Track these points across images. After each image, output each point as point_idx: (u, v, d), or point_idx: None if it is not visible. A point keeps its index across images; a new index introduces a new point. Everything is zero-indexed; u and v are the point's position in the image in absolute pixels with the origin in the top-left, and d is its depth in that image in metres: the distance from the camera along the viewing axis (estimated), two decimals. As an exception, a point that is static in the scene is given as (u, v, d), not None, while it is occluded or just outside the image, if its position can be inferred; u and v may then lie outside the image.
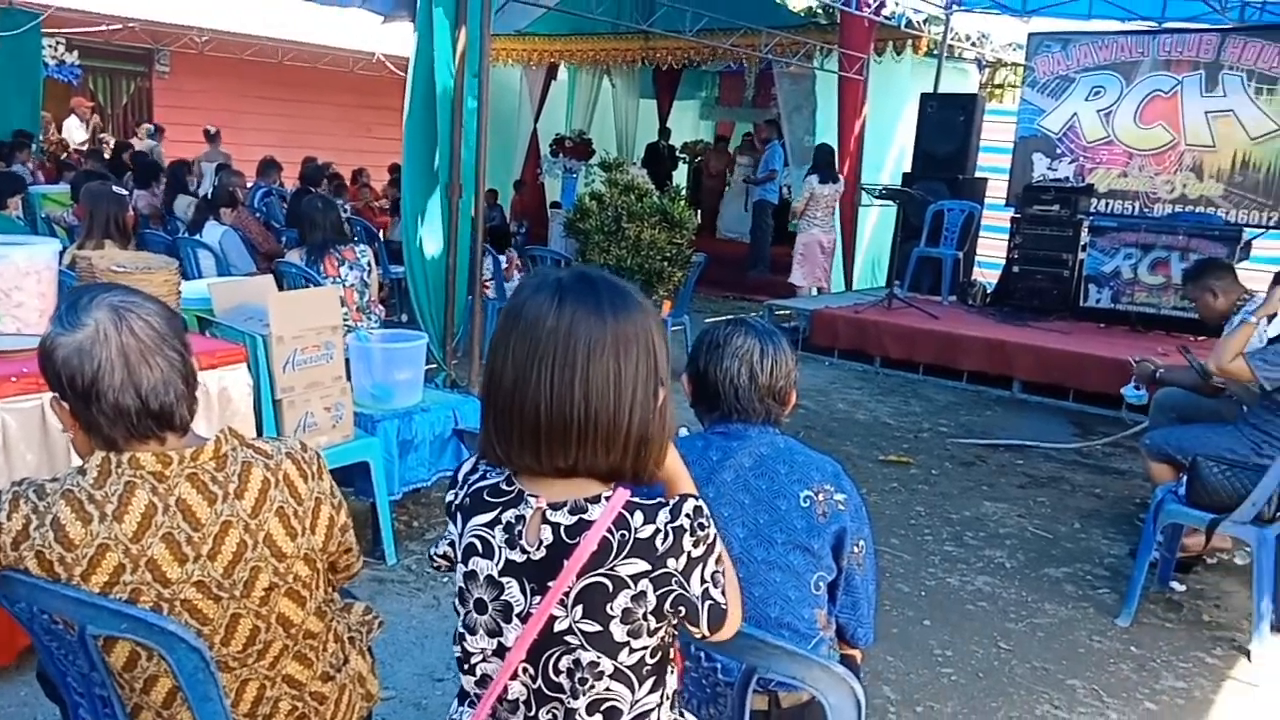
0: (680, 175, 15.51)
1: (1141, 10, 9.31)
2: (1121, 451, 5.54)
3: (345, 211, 8.61)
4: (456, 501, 1.35)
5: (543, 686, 1.27)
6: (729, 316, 1.96)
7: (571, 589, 1.22)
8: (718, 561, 1.26)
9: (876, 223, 10.09)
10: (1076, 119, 8.31)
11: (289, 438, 1.75)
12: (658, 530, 1.22)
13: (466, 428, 3.93)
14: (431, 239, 6.32)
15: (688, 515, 1.24)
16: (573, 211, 6.19)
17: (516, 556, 1.26)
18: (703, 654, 1.53)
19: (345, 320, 5.19)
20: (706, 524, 1.25)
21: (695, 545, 1.23)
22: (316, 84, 14.46)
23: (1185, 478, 3.48)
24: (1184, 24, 8.93)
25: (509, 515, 1.28)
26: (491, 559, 1.28)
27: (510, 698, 1.29)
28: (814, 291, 9.31)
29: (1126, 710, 2.96)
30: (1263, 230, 7.30)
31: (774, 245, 11.49)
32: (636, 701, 1.26)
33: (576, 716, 1.25)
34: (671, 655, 1.32)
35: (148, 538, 1.49)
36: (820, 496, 1.75)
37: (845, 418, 6.20)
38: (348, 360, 3.79)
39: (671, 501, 1.25)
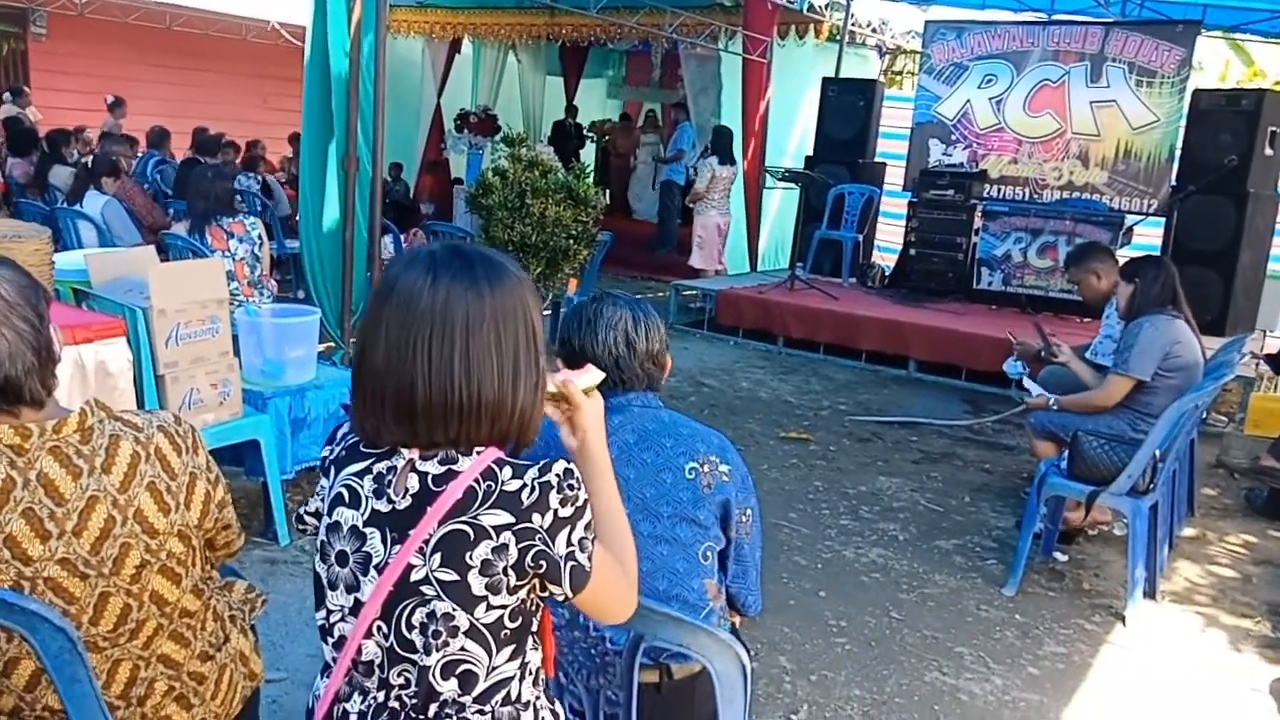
0: (588, 154, 15.45)
1: (1033, 2, 9.64)
2: (1010, 429, 5.74)
3: (259, 182, 8.31)
4: (331, 456, 1.33)
5: (395, 644, 1.24)
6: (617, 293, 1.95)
7: (432, 536, 1.20)
8: (587, 528, 1.24)
9: (780, 205, 10.23)
10: (970, 106, 8.53)
11: (162, 411, 1.67)
12: (525, 485, 1.21)
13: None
14: (329, 213, 6.15)
15: (557, 475, 1.23)
16: (475, 187, 6.09)
17: (382, 507, 1.25)
18: (591, 624, 1.52)
19: (236, 295, 5.03)
20: (577, 486, 1.24)
21: (563, 505, 1.22)
22: (208, 52, 13.87)
23: (1067, 452, 3.62)
24: (1072, 16, 9.28)
25: (380, 466, 1.27)
26: (357, 509, 1.26)
27: (365, 659, 1.26)
28: (713, 273, 9.38)
29: (1010, 675, 3.07)
30: (1143, 217, 7.63)
31: (682, 225, 11.53)
32: (494, 668, 1.24)
33: (429, 678, 1.22)
34: (535, 628, 1.30)
35: (5, 513, 1.40)
36: (705, 468, 1.76)
37: (748, 396, 6.27)
38: (236, 336, 3.66)
39: (540, 462, 1.24)
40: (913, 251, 8.35)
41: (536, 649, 1.31)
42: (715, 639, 1.50)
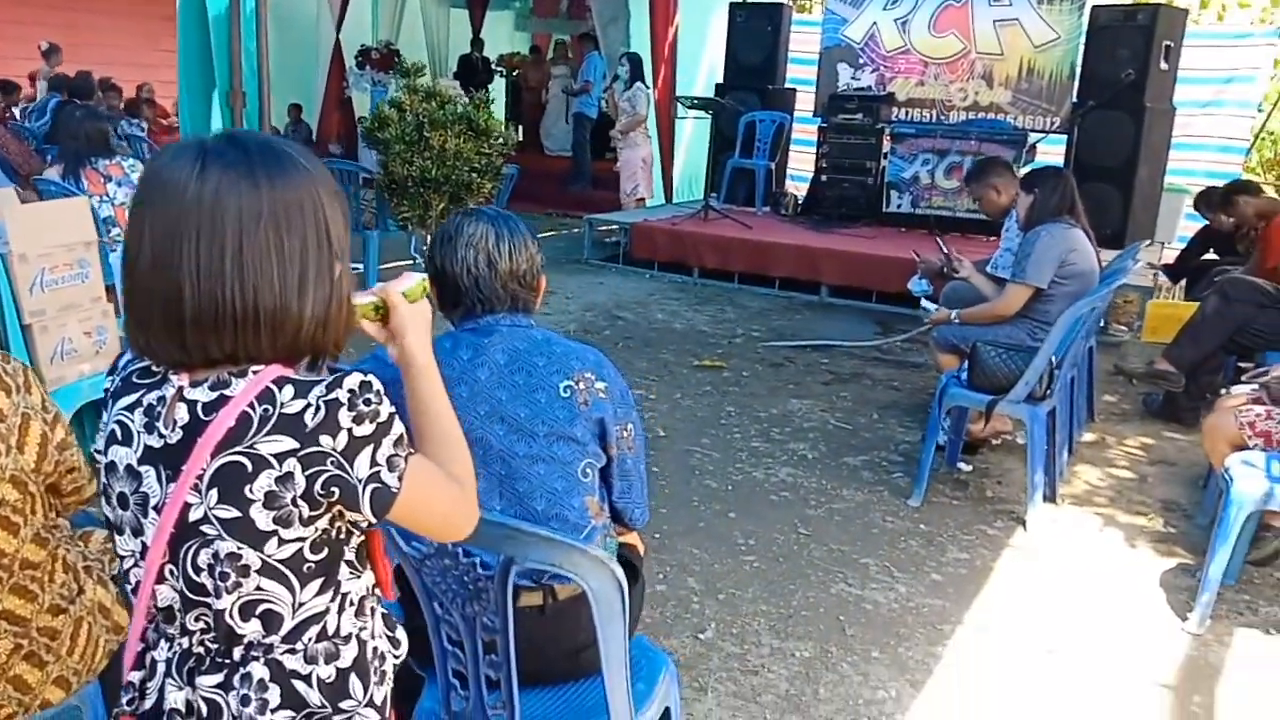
0: (498, 89, 15.07)
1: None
2: (917, 347, 5.81)
3: (143, 128, 7.90)
4: (111, 388, 1.21)
5: (186, 589, 1.14)
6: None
7: (205, 470, 1.08)
8: (397, 443, 1.13)
9: (693, 134, 10.11)
10: (876, 28, 8.48)
11: None
12: (309, 405, 1.08)
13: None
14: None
15: (351, 390, 1.10)
16: (371, 121, 5.87)
17: (154, 442, 1.13)
18: (460, 550, 1.46)
19: (119, 242, 4.78)
20: (376, 400, 1.12)
21: (358, 422, 1.10)
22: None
23: (967, 363, 3.66)
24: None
25: (151, 397, 1.15)
26: (130, 446, 1.14)
27: (162, 605, 1.17)
28: (634, 205, 9.25)
29: (914, 583, 3.12)
30: (1044, 134, 7.72)
31: (594, 160, 11.34)
32: (300, 604, 1.14)
33: (227, 620, 1.12)
34: (353, 555, 1.20)
35: None
36: (581, 385, 1.70)
37: (663, 327, 6.23)
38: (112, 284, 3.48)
39: (330, 376, 1.12)
40: (824, 178, 8.36)
41: (357, 576, 1.21)
42: (588, 556, 1.45)
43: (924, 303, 4.34)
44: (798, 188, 9.56)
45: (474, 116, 5.83)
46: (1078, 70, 7.60)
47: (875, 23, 8.53)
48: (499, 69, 14.88)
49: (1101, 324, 5.20)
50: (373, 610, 1.25)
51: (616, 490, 1.80)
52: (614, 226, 8.35)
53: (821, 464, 4.06)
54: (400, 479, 1.13)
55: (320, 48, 12.88)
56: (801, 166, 9.76)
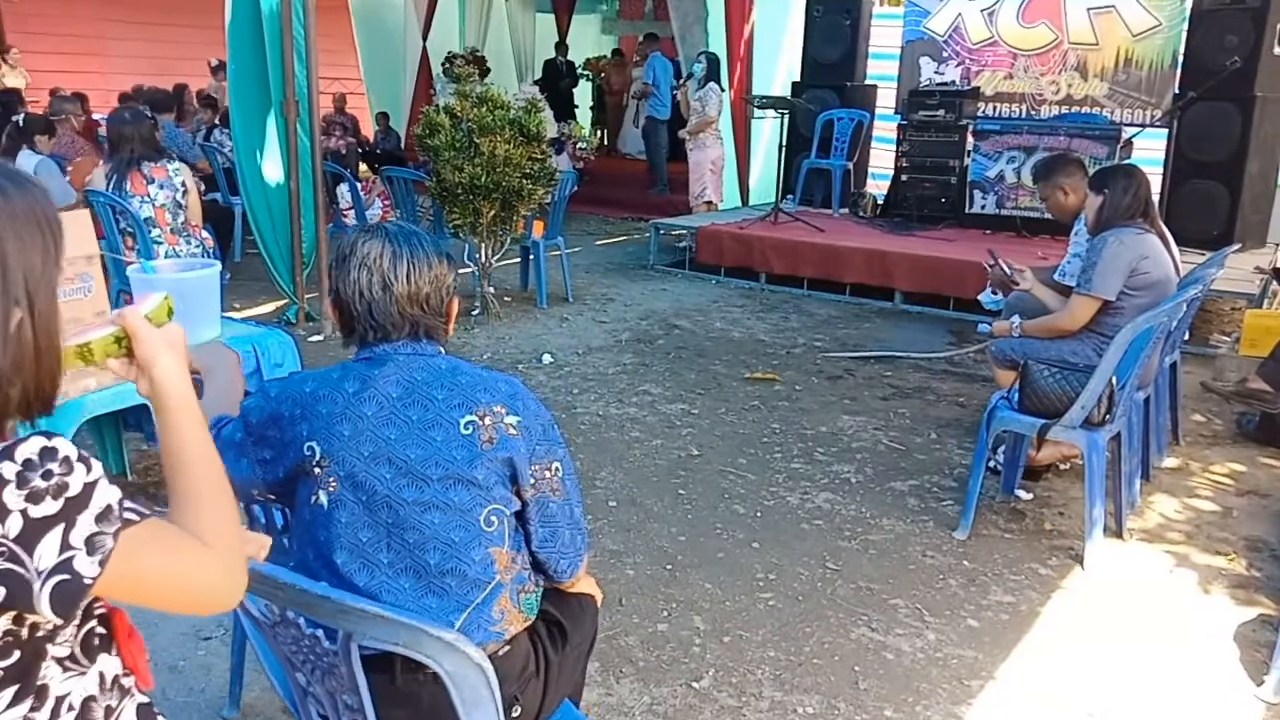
0: (583, 93, 15.01)
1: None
2: (989, 360, 5.41)
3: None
4: None
5: None
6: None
7: None
8: (101, 518, 0.92)
9: (771, 135, 9.79)
10: (961, 20, 8.04)
11: None
12: None
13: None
14: (272, 164, 5.90)
15: (25, 462, 0.89)
16: (421, 128, 5.80)
17: None
18: (301, 619, 1.28)
19: (159, 242, 4.82)
20: (61, 471, 0.91)
21: (35, 501, 0.89)
22: (185, 7, 13.53)
23: (1018, 383, 3.32)
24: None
25: None
26: None
27: None
28: (704, 208, 9.00)
29: (946, 629, 2.82)
30: (1140, 128, 7.16)
31: (671, 162, 11.11)
32: None
33: None
34: (65, 650, 0.99)
35: None
36: (486, 420, 1.50)
37: (720, 336, 5.98)
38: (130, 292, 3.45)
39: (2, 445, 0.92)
40: (904, 177, 7.98)
41: (80, 673, 1.01)
42: (432, 638, 1.24)
43: (987, 305, 3.99)
44: (878, 185, 9.16)
45: (525, 121, 5.69)
46: (1180, 59, 7.04)
47: (960, 14, 8.09)
48: (584, 73, 14.81)
49: (1188, 335, 4.72)
50: (111, 710, 1.06)
51: (536, 539, 1.59)
52: (681, 231, 8.12)
53: (864, 489, 3.77)
54: (103, 562, 0.92)
55: (408, 56, 13.03)
56: (884, 165, 9.35)
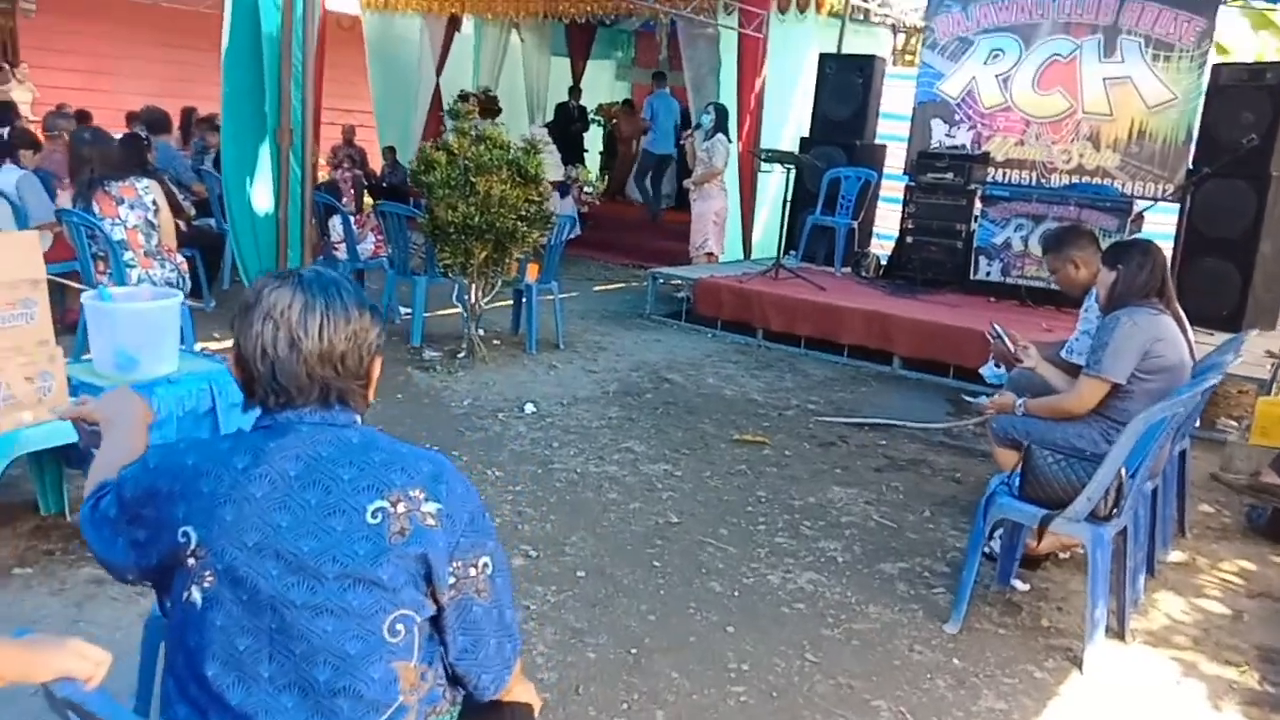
0: (594, 138, 14.96)
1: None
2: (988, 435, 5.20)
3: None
4: None
5: None
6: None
7: None
8: None
9: (777, 189, 9.67)
10: (975, 83, 7.94)
11: None
12: None
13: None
14: (261, 192, 5.74)
15: None
16: (415, 162, 5.65)
17: None
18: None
19: (132, 265, 4.64)
20: None
21: None
22: (200, 29, 13.53)
23: (1019, 468, 3.11)
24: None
25: None
26: None
27: None
28: (704, 260, 8.85)
29: (931, 736, 2.58)
30: (1153, 202, 7.02)
31: (671, 209, 11.00)
32: None
33: None
34: None
35: None
36: (399, 508, 1.28)
37: (712, 393, 5.78)
38: (83, 324, 3.26)
39: None
40: (909, 239, 7.82)
41: None
42: None
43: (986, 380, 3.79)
44: (883, 245, 9.00)
45: (523, 162, 5.54)
46: (1194, 134, 6.91)
47: (974, 77, 7.99)
48: (596, 118, 14.78)
49: (1196, 421, 4.51)
50: None
51: (455, 649, 1.36)
52: (679, 281, 7.95)
53: (851, 570, 3.53)
54: None
55: (420, 91, 13.00)
56: (890, 226, 9.20)
